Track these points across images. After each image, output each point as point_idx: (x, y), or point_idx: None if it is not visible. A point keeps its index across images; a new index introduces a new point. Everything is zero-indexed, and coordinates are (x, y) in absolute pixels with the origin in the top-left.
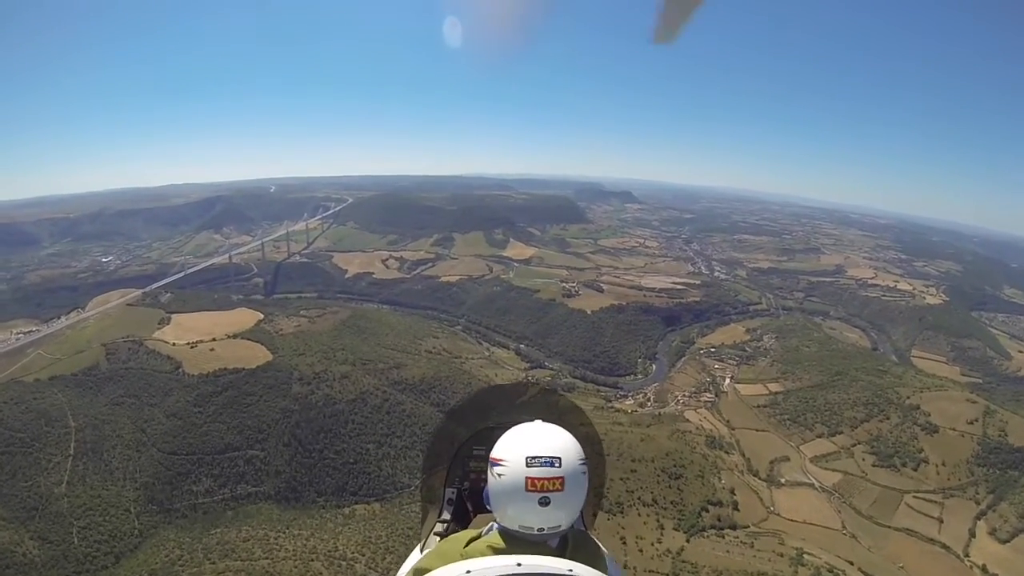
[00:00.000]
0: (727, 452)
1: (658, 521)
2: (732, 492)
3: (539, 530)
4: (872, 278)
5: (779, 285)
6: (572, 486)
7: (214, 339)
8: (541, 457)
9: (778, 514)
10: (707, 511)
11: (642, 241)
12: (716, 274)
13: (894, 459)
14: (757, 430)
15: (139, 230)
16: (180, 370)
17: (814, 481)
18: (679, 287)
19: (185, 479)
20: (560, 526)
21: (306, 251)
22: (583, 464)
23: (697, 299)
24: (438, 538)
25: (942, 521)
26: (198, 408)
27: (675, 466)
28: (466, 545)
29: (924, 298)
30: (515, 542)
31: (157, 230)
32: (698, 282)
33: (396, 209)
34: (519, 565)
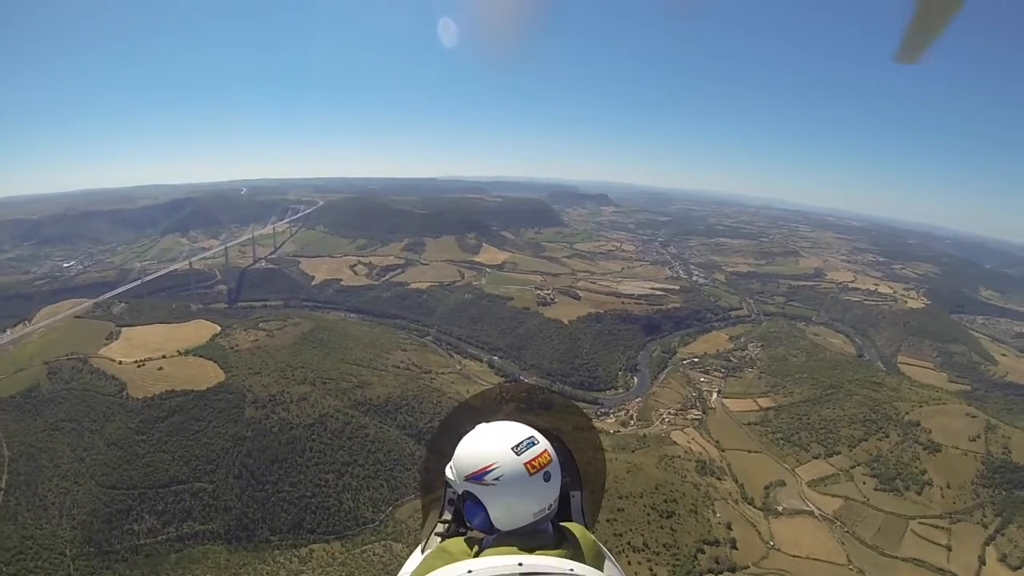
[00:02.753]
0: (719, 478)
1: (651, 569)
2: (728, 527)
3: (549, 507)
4: (852, 281)
5: (759, 289)
6: (554, 455)
7: (164, 356)
8: (522, 441)
9: (779, 549)
10: (703, 552)
11: (619, 245)
12: (695, 278)
13: (896, 482)
14: (749, 451)
15: (104, 233)
16: (124, 392)
17: (813, 508)
18: (658, 293)
19: (125, 517)
20: (556, 498)
21: (272, 256)
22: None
23: (677, 305)
24: (439, 539)
25: (950, 549)
26: (141, 436)
27: (666, 501)
28: (475, 554)
29: (906, 302)
30: (522, 540)
31: (123, 233)
32: (677, 287)
33: (367, 212)
34: (520, 565)
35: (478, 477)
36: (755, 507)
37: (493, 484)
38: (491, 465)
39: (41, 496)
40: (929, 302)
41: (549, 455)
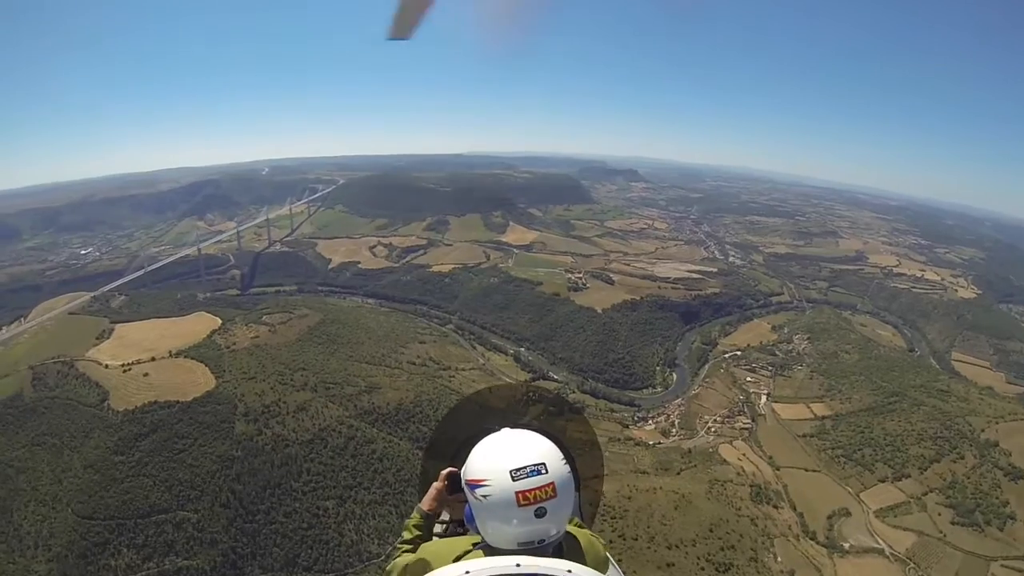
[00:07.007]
0: (776, 506)
1: None
2: None
3: (539, 542)
4: (896, 266)
5: (799, 273)
6: (563, 490)
7: (153, 358)
8: (526, 467)
9: None
10: None
11: (651, 223)
12: (731, 259)
13: (976, 514)
14: (807, 470)
15: (123, 219)
16: (106, 403)
17: (883, 545)
18: (695, 276)
19: (103, 550)
20: (558, 534)
21: (289, 238)
22: (566, 464)
23: (716, 290)
24: (437, 538)
25: None
26: (120, 456)
27: (722, 548)
28: (461, 555)
29: (956, 290)
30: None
31: (142, 218)
32: (714, 269)
33: (388, 190)
34: (518, 566)
35: (472, 487)
36: (818, 543)
37: (481, 500)
38: (484, 480)
39: (16, 525)
40: (980, 291)
41: (553, 489)
